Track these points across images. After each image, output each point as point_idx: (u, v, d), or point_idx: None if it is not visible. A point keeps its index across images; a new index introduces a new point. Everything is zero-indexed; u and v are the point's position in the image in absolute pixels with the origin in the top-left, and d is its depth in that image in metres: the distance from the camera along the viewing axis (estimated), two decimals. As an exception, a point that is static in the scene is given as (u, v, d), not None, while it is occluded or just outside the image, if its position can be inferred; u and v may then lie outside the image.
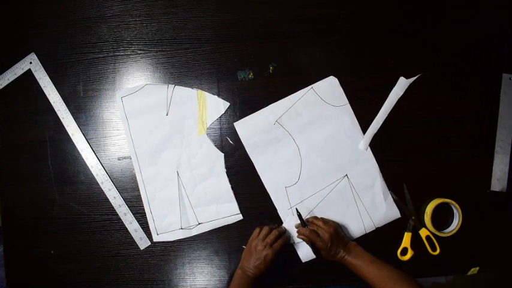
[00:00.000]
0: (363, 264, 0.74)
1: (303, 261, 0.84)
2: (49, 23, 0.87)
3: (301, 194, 0.84)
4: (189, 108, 0.86)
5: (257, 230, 0.80)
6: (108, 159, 0.87)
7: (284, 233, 0.82)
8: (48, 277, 0.87)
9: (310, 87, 0.85)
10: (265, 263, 0.75)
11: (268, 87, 0.86)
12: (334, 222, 0.83)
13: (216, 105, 0.86)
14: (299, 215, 0.82)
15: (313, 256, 0.83)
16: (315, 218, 0.82)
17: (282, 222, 0.84)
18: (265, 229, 0.80)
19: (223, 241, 0.86)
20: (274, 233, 0.78)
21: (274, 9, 0.86)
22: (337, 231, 0.79)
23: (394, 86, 0.85)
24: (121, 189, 0.86)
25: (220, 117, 0.86)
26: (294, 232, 0.84)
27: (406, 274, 0.71)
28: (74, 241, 0.87)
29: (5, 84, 0.87)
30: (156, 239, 0.86)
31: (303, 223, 0.81)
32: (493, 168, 0.86)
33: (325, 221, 0.81)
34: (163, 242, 0.86)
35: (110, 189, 0.86)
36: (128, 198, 0.86)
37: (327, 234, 0.76)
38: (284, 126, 0.85)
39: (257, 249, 0.76)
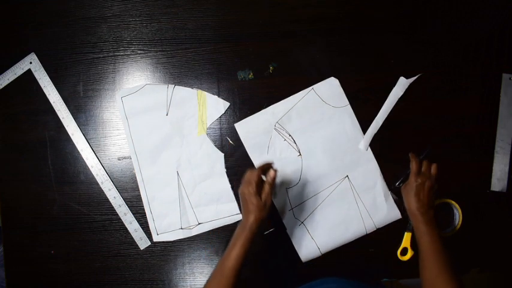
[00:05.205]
0: (430, 233, 0.73)
1: (303, 261, 0.84)
2: (49, 23, 0.87)
3: (302, 195, 0.84)
4: (189, 108, 0.86)
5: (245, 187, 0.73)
6: (108, 159, 0.87)
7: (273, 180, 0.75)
8: (48, 277, 0.87)
9: (310, 88, 0.85)
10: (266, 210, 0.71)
11: (268, 87, 0.86)
12: None
13: (216, 105, 0.86)
14: (429, 151, 0.82)
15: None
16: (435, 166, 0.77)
17: (282, 223, 0.84)
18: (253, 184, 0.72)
19: (223, 241, 0.86)
20: (267, 188, 0.72)
21: (274, 9, 0.86)
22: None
23: (394, 86, 0.85)
24: (121, 189, 0.86)
25: (220, 117, 0.86)
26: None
27: (454, 269, 0.69)
28: (74, 241, 0.87)
29: (5, 84, 0.87)
30: (156, 239, 0.86)
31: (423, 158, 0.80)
32: (493, 168, 0.86)
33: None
34: (163, 242, 0.86)
35: (110, 189, 0.86)
36: (128, 198, 0.86)
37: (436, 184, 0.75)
38: (285, 127, 0.85)
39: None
